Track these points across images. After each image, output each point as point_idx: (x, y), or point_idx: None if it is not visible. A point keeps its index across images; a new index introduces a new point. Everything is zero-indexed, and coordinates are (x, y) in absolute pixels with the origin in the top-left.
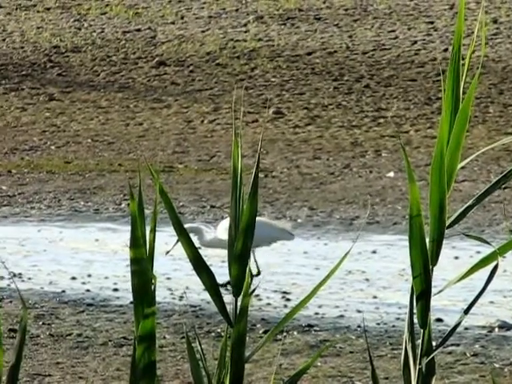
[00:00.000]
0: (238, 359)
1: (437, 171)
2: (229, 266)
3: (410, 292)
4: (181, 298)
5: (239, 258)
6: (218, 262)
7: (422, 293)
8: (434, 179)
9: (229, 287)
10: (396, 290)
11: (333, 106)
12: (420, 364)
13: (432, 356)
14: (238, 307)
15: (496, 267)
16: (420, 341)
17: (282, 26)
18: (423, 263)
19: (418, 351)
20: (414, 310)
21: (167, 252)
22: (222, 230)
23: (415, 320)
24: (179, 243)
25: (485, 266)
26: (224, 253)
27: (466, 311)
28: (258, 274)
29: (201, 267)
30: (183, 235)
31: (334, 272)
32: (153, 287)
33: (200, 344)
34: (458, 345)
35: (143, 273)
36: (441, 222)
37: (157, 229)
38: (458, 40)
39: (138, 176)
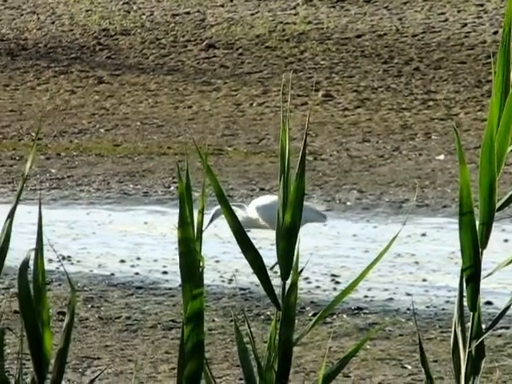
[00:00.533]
0: (286, 342)
1: (487, 154)
2: (276, 247)
3: (459, 275)
4: (230, 280)
5: (287, 239)
6: (268, 245)
7: (472, 276)
8: (483, 162)
9: (277, 269)
10: (445, 272)
11: (382, 88)
12: (470, 347)
13: (481, 339)
14: (286, 289)
15: None
16: (470, 324)
17: (332, 9)
18: (473, 246)
19: (468, 334)
20: (464, 293)
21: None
22: (253, 209)
23: (465, 303)
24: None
25: None
26: (273, 235)
27: None
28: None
29: (248, 249)
30: (230, 215)
31: (383, 255)
32: (201, 268)
33: (249, 327)
34: (507, 328)
35: (191, 254)
36: (490, 204)
37: (206, 211)
38: (508, 22)
39: (186, 159)
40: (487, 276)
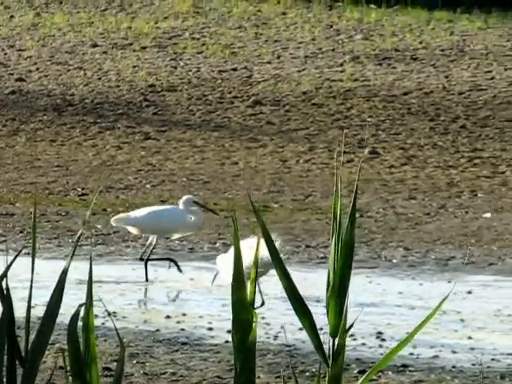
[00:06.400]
0: None
1: None
2: (326, 305)
3: (506, 333)
4: (275, 337)
5: (337, 297)
6: (312, 302)
7: None
8: None
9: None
10: (491, 330)
11: (429, 146)
12: None
13: None
14: (335, 347)
15: None
16: None
17: (378, 66)
18: None
19: None
20: None
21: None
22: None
23: None
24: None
25: None
26: (316, 293)
27: None
28: (262, 304)
29: (299, 306)
30: (284, 273)
31: (431, 317)
32: (254, 325)
33: (297, 382)
34: None
35: (245, 310)
36: None
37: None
38: None
39: (234, 216)
40: None
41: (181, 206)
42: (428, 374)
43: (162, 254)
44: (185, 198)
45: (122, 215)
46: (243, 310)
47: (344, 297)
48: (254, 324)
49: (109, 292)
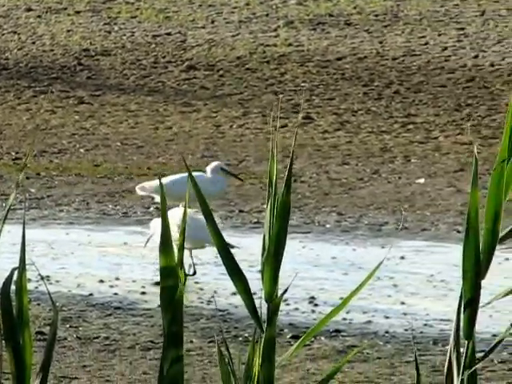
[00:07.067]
0: (268, 364)
1: (496, 181)
2: (262, 270)
3: (438, 298)
4: (209, 302)
5: (272, 263)
6: (246, 267)
7: (470, 304)
8: (492, 190)
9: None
10: (424, 296)
11: (362, 111)
12: (463, 375)
13: (474, 368)
14: (270, 312)
15: None
16: (464, 352)
17: (312, 31)
18: (475, 275)
19: (462, 361)
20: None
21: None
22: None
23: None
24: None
25: None
26: (250, 257)
27: None
28: (194, 273)
29: (234, 271)
30: (218, 238)
31: (365, 283)
32: (181, 285)
33: (228, 348)
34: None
35: (172, 272)
36: (494, 234)
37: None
38: None
39: (160, 180)
40: (485, 305)
41: (208, 173)
42: (361, 339)
43: (95, 219)
44: (213, 164)
45: (146, 183)
46: (170, 273)
47: (279, 261)
48: (181, 286)
49: (42, 256)
